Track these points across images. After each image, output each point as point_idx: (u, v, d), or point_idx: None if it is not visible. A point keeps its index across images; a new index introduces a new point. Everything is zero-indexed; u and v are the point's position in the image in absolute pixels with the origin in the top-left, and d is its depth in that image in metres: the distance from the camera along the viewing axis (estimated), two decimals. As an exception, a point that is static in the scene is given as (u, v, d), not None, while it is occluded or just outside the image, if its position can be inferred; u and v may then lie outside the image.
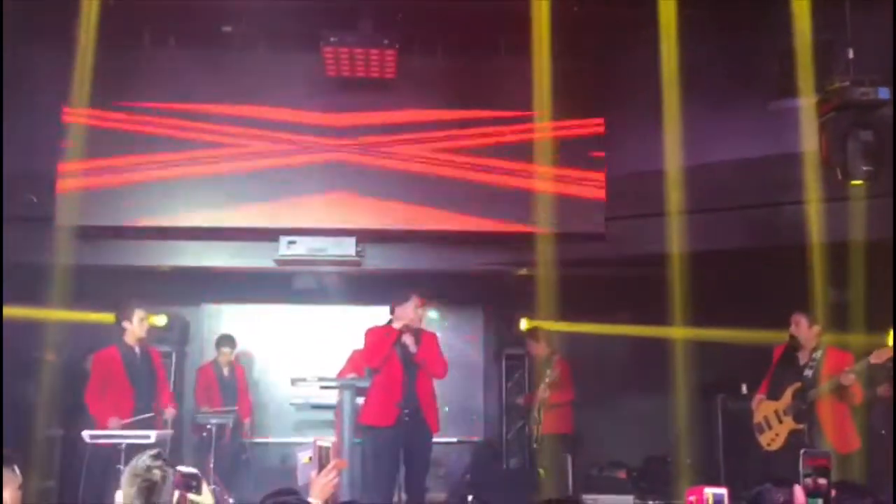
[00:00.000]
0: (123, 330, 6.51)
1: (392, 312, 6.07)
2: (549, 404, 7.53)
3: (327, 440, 3.59)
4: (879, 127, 5.47)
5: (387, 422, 5.97)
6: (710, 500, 3.04)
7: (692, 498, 3.17)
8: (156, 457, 3.32)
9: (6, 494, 3.41)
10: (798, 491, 2.64)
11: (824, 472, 2.67)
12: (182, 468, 3.62)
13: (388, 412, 5.96)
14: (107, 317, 8.10)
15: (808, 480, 2.64)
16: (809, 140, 6.08)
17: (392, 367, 5.99)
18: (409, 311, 6.01)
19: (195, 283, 8.61)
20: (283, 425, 8.69)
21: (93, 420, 6.34)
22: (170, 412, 6.57)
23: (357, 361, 7.40)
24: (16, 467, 3.49)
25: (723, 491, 3.08)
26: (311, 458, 3.48)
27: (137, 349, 6.55)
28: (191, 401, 8.43)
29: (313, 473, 3.50)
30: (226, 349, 8.11)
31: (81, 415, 7.68)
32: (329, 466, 3.52)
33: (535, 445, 7.60)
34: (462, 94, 7.76)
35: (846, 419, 5.81)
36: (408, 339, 6.05)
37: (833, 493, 2.66)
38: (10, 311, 7.08)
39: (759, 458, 6.12)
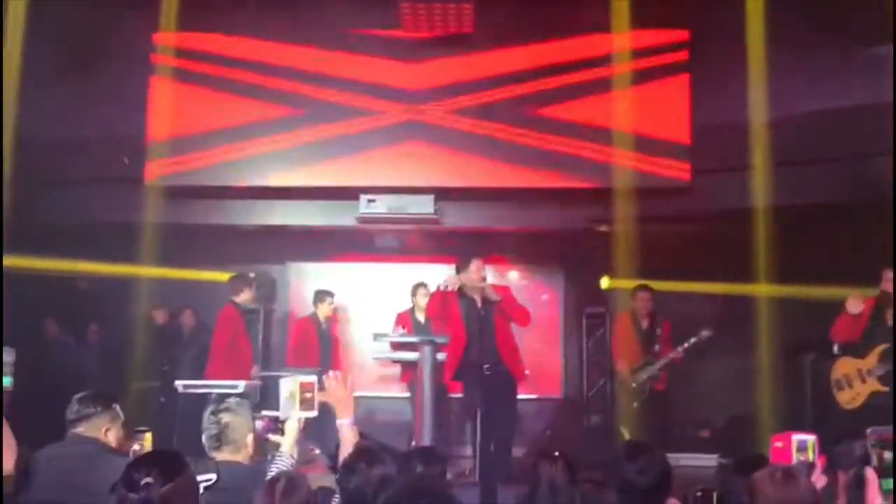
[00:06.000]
0: (239, 294, 7.38)
1: (457, 272, 6.05)
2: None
3: (310, 377, 3.66)
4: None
5: (450, 380, 6.11)
6: (795, 446, 2.97)
7: (778, 444, 3.10)
8: (218, 406, 3.48)
9: (111, 434, 3.61)
10: (870, 474, 2.56)
11: (891, 446, 2.59)
12: (267, 412, 3.76)
13: (451, 371, 6.07)
14: (196, 274, 8.48)
15: (875, 457, 2.57)
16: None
17: (456, 328, 6.02)
18: (473, 274, 5.97)
19: (280, 242, 8.80)
20: (365, 379, 8.84)
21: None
22: None
23: (403, 320, 7.65)
24: (117, 406, 3.68)
25: (807, 437, 3.00)
26: (292, 394, 3.55)
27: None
28: (278, 354, 8.66)
29: (294, 411, 3.57)
30: (324, 304, 8.10)
31: (176, 366, 8.07)
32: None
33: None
34: (540, 44, 7.69)
35: None
36: (475, 299, 6.01)
37: None
38: (103, 269, 7.46)
39: (847, 418, 5.97)
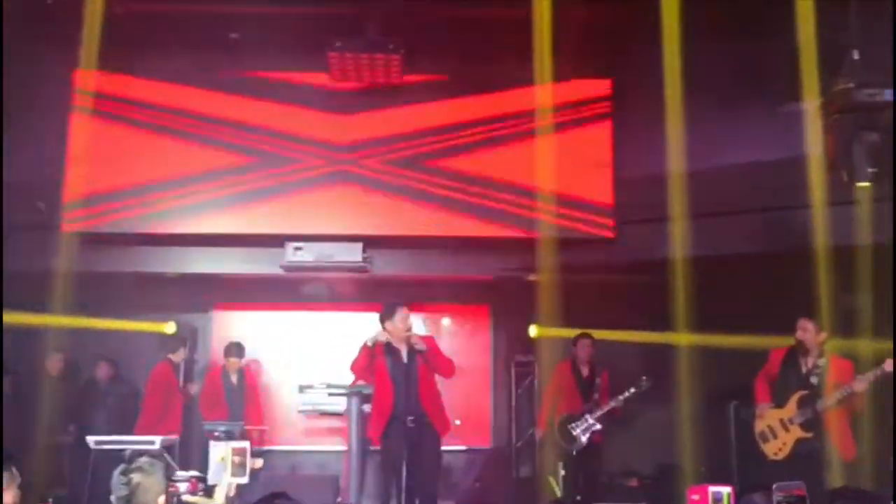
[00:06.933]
0: (175, 351, 7.71)
1: (381, 324, 5.96)
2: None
3: (243, 443, 3.65)
4: (885, 129, 5.40)
5: (377, 434, 5.96)
6: (711, 499, 3.01)
7: (695, 496, 3.13)
8: (129, 466, 3.39)
9: (6, 495, 3.42)
10: None
11: (799, 501, 2.64)
12: (188, 473, 3.66)
13: (378, 424, 5.94)
14: (117, 324, 8.23)
15: None
16: (815, 143, 6.03)
17: (381, 379, 5.93)
18: (398, 323, 5.89)
19: (203, 290, 8.61)
20: (291, 433, 8.64)
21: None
22: None
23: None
24: (14, 468, 3.50)
25: (722, 489, 3.04)
26: (223, 459, 3.52)
27: None
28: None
29: (225, 475, 3.54)
30: (233, 358, 7.96)
31: (90, 421, 7.76)
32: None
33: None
34: (468, 97, 7.81)
35: (848, 426, 5.77)
36: (400, 349, 5.93)
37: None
38: (18, 318, 7.16)
39: (772, 466, 6.06)
